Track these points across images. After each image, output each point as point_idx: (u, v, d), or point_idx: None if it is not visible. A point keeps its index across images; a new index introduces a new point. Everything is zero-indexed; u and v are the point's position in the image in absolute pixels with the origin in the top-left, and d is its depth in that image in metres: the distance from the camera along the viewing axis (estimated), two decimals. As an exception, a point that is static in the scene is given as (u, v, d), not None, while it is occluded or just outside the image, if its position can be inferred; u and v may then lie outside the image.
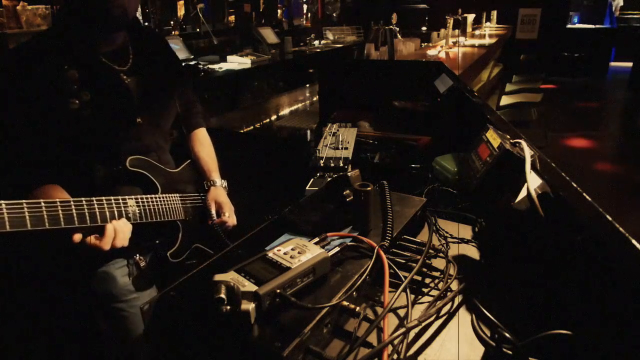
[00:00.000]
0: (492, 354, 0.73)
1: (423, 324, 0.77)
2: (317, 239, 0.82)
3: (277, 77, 4.79)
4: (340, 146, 1.48)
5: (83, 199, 0.98)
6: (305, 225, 0.95)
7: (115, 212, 1.05)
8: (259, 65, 4.43)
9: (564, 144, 5.23)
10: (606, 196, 3.71)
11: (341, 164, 1.34)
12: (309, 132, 2.33)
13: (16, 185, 1.08)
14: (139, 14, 4.22)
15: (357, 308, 0.70)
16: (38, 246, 1.31)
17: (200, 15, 4.74)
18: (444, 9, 6.93)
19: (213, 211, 1.34)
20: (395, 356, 0.69)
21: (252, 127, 2.94)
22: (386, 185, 1.09)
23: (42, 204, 0.88)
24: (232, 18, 5.73)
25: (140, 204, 1.13)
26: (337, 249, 0.82)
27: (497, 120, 1.35)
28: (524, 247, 0.94)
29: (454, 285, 0.87)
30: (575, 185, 0.87)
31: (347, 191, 0.96)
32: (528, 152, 0.92)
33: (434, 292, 0.87)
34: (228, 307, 0.64)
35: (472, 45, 5.81)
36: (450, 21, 5.78)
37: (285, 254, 0.74)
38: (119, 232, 1.04)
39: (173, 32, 4.71)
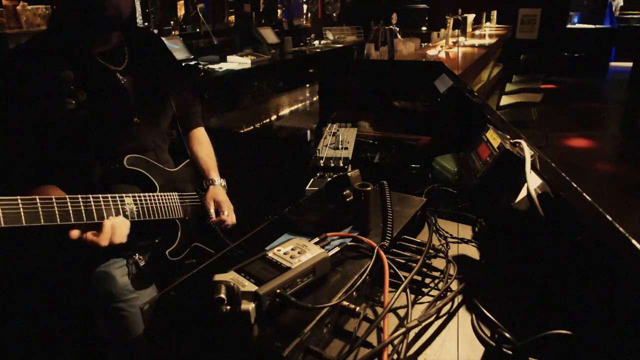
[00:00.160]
0: (492, 354, 0.73)
1: (423, 324, 0.77)
2: (317, 239, 0.82)
3: (277, 77, 4.79)
4: (340, 146, 1.48)
5: (79, 196, 0.98)
6: (305, 225, 0.95)
7: (112, 210, 1.05)
8: (259, 65, 4.43)
9: (564, 144, 5.23)
10: (606, 196, 3.71)
11: (341, 164, 1.35)
12: (309, 132, 2.34)
13: (14, 186, 1.08)
14: (138, 14, 4.22)
15: (357, 308, 0.70)
16: (38, 244, 1.31)
17: (200, 15, 4.74)
18: (444, 9, 6.93)
19: (212, 210, 1.34)
20: (395, 356, 0.69)
21: (252, 127, 2.94)
22: (386, 185, 1.09)
23: (37, 200, 0.88)
24: (232, 18, 5.72)
25: (138, 201, 1.13)
26: (337, 249, 0.82)
27: (497, 120, 1.35)
28: (524, 247, 0.94)
29: (454, 285, 0.87)
30: (575, 185, 0.87)
31: (347, 191, 0.95)
32: (528, 152, 0.92)
33: (434, 292, 0.87)
34: (228, 307, 0.64)
35: (472, 45, 5.81)
36: (450, 21, 5.78)
37: (285, 254, 0.74)
38: (117, 228, 1.04)
39: (173, 32, 4.70)
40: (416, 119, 2.03)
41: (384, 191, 1.07)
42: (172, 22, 4.84)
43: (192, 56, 4.22)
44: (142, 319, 0.73)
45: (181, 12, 4.98)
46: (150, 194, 1.18)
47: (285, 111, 3.50)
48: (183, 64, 3.87)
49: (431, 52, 5.13)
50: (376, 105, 2.19)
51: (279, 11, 6.71)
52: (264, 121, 3.19)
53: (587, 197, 0.81)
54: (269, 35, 5.11)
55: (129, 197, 1.10)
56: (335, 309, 0.70)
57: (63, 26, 1.13)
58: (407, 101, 2.15)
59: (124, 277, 1.21)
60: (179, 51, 4.01)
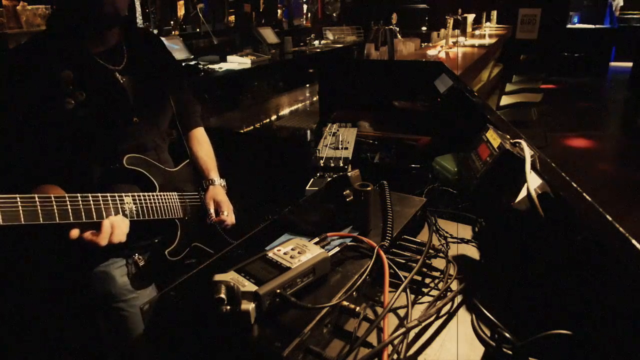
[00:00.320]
0: (492, 354, 0.73)
1: (423, 324, 0.77)
2: (317, 239, 0.82)
3: (277, 77, 4.79)
4: (340, 146, 1.48)
5: (79, 195, 0.98)
6: (305, 225, 0.95)
7: (112, 209, 1.05)
8: (259, 65, 4.42)
9: (564, 144, 5.23)
10: (606, 196, 3.71)
11: (341, 164, 1.35)
12: (309, 132, 2.34)
13: (13, 186, 1.08)
14: (138, 14, 4.22)
15: (357, 308, 0.70)
16: (38, 244, 1.31)
17: (200, 15, 4.74)
18: (444, 9, 6.94)
19: (211, 210, 1.34)
20: (395, 356, 0.69)
21: (252, 127, 2.94)
22: (386, 185, 1.09)
23: (36, 199, 0.88)
24: (232, 18, 5.72)
25: (137, 201, 1.13)
26: (337, 249, 0.82)
27: (497, 120, 1.35)
28: (524, 247, 0.94)
29: (454, 285, 0.87)
30: (575, 185, 0.86)
31: (347, 191, 0.95)
32: (528, 152, 0.92)
33: (434, 292, 0.87)
34: (228, 307, 0.64)
35: (472, 45, 5.81)
36: (450, 21, 5.78)
37: (285, 254, 0.74)
38: (116, 227, 1.04)
39: (173, 32, 4.70)
40: (416, 119, 2.03)
41: (384, 191, 1.07)
42: (172, 22, 4.84)
43: (192, 56, 4.22)
44: (142, 319, 0.72)
45: (181, 12, 4.98)
46: (150, 193, 1.18)
47: (285, 111, 3.51)
48: (183, 64, 3.87)
49: (431, 52, 5.13)
50: (376, 105, 2.19)
51: (279, 11, 6.71)
52: (264, 121, 3.20)
53: (587, 197, 0.81)
54: (269, 35, 5.11)
55: (129, 196, 1.10)
56: (335, 309, 0.70)
57: (62, 26, 1.13)
58: (407, 101, 2.15)
59: (124, 277, 1.21)
60: (179, 51, 4.01)
